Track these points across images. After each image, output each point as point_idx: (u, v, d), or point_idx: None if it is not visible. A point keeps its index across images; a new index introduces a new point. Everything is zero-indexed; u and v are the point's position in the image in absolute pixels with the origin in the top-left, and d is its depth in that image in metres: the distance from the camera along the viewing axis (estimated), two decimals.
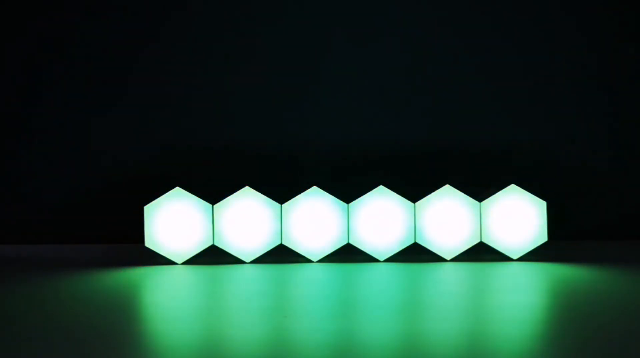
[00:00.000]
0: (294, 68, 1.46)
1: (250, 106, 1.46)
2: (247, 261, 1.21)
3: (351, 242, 1.21)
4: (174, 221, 1.20)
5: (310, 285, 1.05)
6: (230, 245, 1.21)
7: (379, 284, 1.04)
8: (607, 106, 1.48)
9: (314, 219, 1.21)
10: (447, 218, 1.21)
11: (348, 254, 1.25)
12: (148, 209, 1.20)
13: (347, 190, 1.27)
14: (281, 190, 1.28)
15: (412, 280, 1.07)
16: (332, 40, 1.46)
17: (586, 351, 0.67)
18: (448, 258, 1.22)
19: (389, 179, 1.29)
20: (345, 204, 1.21)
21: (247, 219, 1.21)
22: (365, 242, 1.21)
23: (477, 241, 1.21)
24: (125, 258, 1.27)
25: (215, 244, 1.21)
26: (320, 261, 1.22)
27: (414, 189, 1.28)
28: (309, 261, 1.22)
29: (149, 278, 1.10)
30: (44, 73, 1.46)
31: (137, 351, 0.69)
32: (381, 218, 1.21)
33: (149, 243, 1.20)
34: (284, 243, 1.21)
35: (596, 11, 1.48)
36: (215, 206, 1.20)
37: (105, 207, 1.45)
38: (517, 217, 1.22)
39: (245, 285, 1.05)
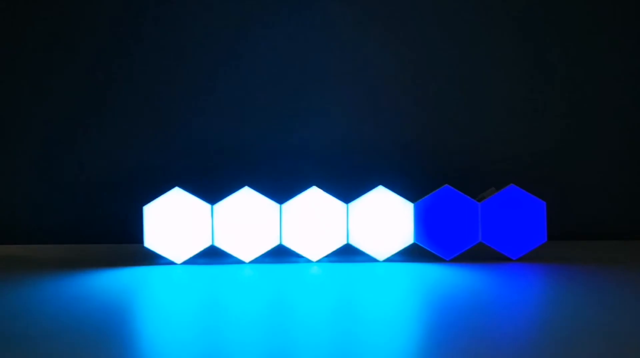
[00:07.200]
0: (294, 69, 1.47)
1: (250, 106, 1.46)
2: (247, 261, 1.21)
3: (351, 242, 1.21)
4: (174, 221, 1.20)
5: (309, 285, 1.05)
6: (230, 245, 1.21)
7: (379, 284, 1.04)
8: (606, 107, 1.48)
9: (314, 219, 1.21)
10: (447, 218, 1.21)
11: (348, 254, 1.25)
12: (148, 209, 1.20)
13: (347, 190, 1.27)
14: (281, 190, 1.28)
15: (411, 280, 1.07)
16: (331, 39, 1.46)
17: (585, 351, 0.67)
18: (447, 259, 1.22)
19: (389, 179, 1.29)
20: (345, 204, 1.21)
21: (247, 220, 1.21)
22: (365, 242, 1.21)
23: (476, 241, 1.22)
24: (125, 258, 1.27)
25: (215, 244, 1.21)
26: (320, 261, 1.22)
27: (414, 189, 1.28)
28: (309, 261, 1.22)
29: (149, 278, 1.10)
30: (44, 72, 1.46)
31: (137, 351, 0.69)
32: (381, 218, 1.21)
33: (149, 243, 1.20)
34: (284, 243, 1.21)
35: (595, 15, 1.48)
36: (215, 206, 1.20)
37: (105, 207, 1.45)
38: (516, 217, 1.22)
39: (244, 285, 1.05)
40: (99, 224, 1.46)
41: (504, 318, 0.81)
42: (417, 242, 1.21)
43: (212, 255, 1.25)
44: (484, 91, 1.47)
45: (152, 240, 1.20)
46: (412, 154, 1.46)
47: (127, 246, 1.41)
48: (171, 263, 1.21)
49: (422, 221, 1.21)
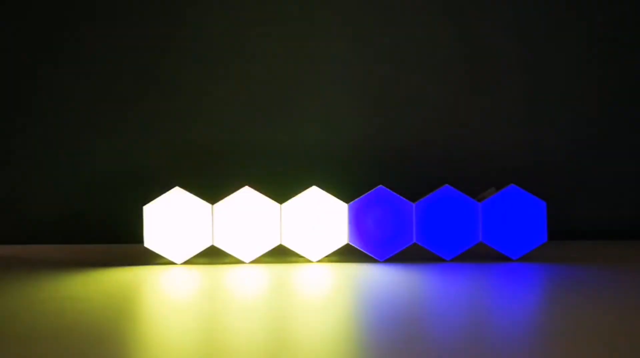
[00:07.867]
0: (293, 70, 1.47)
1: (250, 107, 1.46)
2: (247, 261, 1.21)
3: (351, 242, 1.21)
4: (174, 221, 1.20)
5: (310, 285, 1.05)
6: (230, 245, 1.21)
7: (379, 284, 1.04)
8: (606, 108, 1.48)
9: (314, 219, 1.21)
10: (447, 218, 1.21)
11: (348, 254, 1.25)
12: (148, 209, 1.20)
13: (347, 190, 1.27)
14: (281, 190, 1.28)
15: (411, 281, 1.07)
16: (328, 40, 1.46)
17: (585, 351, 0.67)
18: (448, 259, 1.22)
19: (389, 180, 1.29)
20: (345, 204, 1.21)
21: (247, 219, 1.20)
22: (364, 242, 1.21)
23: (477, 241, 1.21)
24: (125, 258, 1.27)
25: (215, 244, 1.21)
26: (320, 261, 1.22)
27: (414, 190, 1.28)
28: (308, 261, 1.22)
29: (149, 278, 1.10)
30: (43, 73, 1.46)
31: (137, 351, 0.69)
32: (381, 218, 1.21)
33: (148, 243, 1.20)
34: (284, 243, 1.21)
35: (596, 16, 1.48)
36: (215, 206, 1.20)
37: (105, 207, 1.45)
38: (516, 217, 1.22)
39: (244, 285, 1.05)
40: (99, 224, 1.46)
41: (504, 318, 0.81)
42: (417, 242, 1.21)
43: (212, 255, 1.25)
44: (484, 90, 1.47)
45: (152, 240, 1.20)
46: (413, 154, 1.46)
47: (127, 246, 1.41)
48: (171, 263, 1.21)
49: (423, 221, 1.21)
